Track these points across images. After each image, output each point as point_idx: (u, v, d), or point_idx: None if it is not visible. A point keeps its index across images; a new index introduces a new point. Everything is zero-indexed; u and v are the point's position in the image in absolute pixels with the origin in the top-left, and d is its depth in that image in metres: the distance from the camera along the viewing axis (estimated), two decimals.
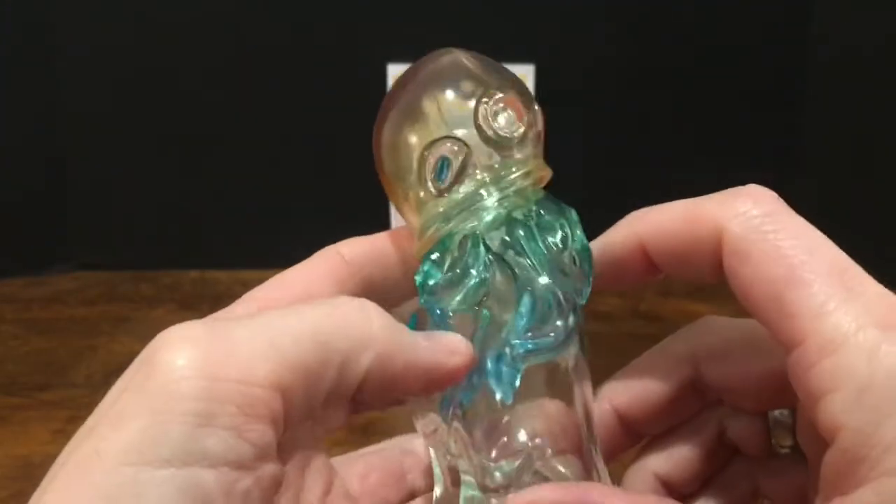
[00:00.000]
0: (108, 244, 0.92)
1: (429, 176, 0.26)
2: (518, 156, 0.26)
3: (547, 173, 0.26)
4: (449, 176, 0.26)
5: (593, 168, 0.87)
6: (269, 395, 0.19)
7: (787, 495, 0.26)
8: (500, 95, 0.26)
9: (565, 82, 0.86)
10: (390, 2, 0.88)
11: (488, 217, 0.25)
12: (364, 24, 0.88)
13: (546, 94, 0.82)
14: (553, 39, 0.87)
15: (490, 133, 0.25)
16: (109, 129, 0.90)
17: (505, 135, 0.25)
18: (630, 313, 0.81)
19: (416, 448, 0.28)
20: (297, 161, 0.91)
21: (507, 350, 0.24)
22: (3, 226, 0.88)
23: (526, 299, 0.24)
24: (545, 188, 0.27)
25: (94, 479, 0.18)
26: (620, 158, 0.90)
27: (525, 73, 0.83)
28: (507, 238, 0.25)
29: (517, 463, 0.25)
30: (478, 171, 0.25)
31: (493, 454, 0.25)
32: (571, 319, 0.25)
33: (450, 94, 0.26)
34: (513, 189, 0.25)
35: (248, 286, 0.26)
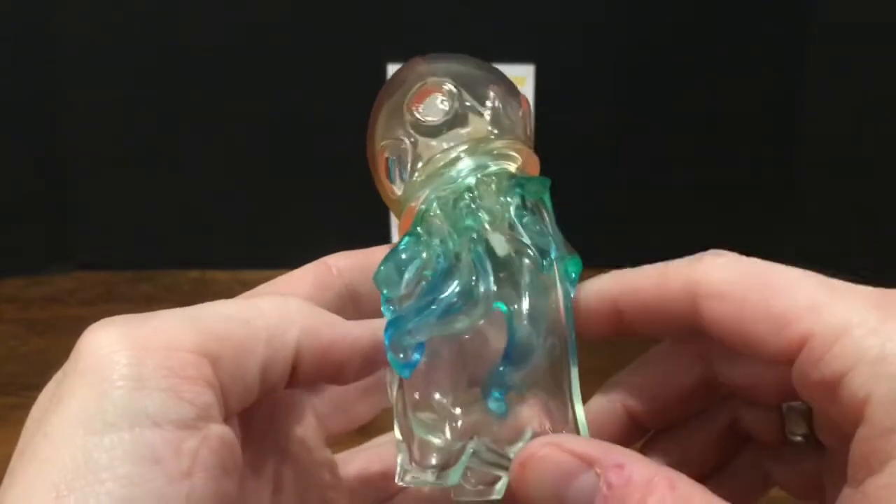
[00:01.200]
0: (108, 244, 0.92)
1: (385, 180, 0.28)
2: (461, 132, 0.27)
3: (520, 150, 0.27)
4: (397, 173, 0.28)
5: (593, 167, 0.87)
6: (195, 359, 0.20)
7: (799, 483, 0.26)
8: (420, 84, 0.27)
9: (565, 82, 0.86)
10: (390, 2, 0.88)
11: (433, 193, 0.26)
12: (364, 24, 0.88)
13: (546, 94, 0.83)
14: (553, 39, 0.87)
15: (412, 120, 0.28)
16: (109, 128, 0.90)
17: (428, 119, 0.27)
18: (608, 345, 0.80)
19: None
20: (297, 161, 0.91)
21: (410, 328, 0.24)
22: (3, 226, 0.88)
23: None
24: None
25: (47, 456, 0.18)
26: (620, 158, 0.90)
27: (525, 73, 0.83)
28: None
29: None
30: (419, 163, 0.27)
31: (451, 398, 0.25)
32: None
33: (393, 100, 0.30)
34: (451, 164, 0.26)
35: (248, 286, 0.26)
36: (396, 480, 0.25)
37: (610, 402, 0.27)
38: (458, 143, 0.27)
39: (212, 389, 0.20)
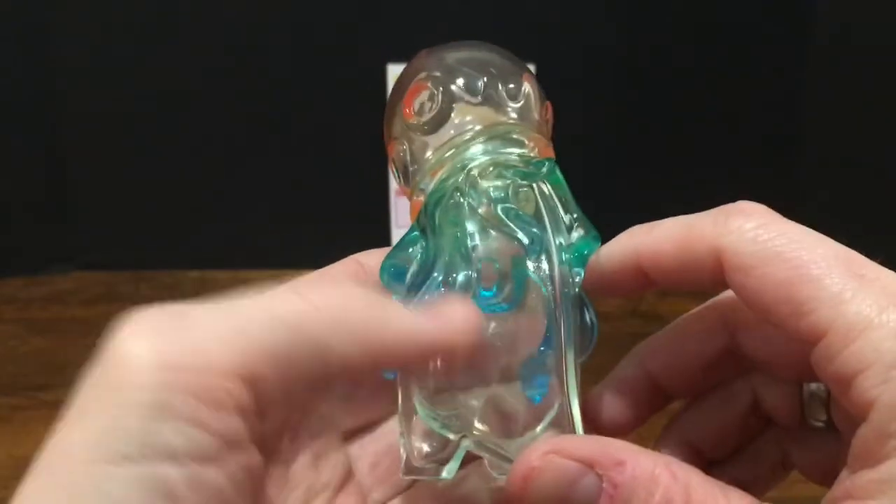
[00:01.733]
0: (108, 244, 0.92)
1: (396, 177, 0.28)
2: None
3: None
4: (402, 171, 0.28)
5: (594, 166, 0.87)
6: (230, 384, 0.18)
7: (817, 467, 0.26)
8: (411, 82, 0.28)
9: (566, 82, 0.86)
10: (390, 2, 0.88)
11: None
12: (364, 24, 0.88)
13: (546, 93, 0.83)
14: (553, 39, 0.87)
15: (404, 119, 0.27)
16: (109, 128, 0.90)
17: (415, 119, 0.27)
18: (630, 313, 0.81)
19: None
20: (297, 161, 0.91)
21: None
22: (3, 226, 0.88)
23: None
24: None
25: (59, 479, 0.18)
26: (622, 157, 0.90)
27: None
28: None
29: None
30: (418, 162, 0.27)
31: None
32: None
33: (392, 99, 0.29)
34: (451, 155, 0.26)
35: (248, 286, 0.26)
36: (401, 475, 0.25)
37: (635, 369, 0.27)
38: (456, 134, 0.27)
39: (242, 415, 0.19)
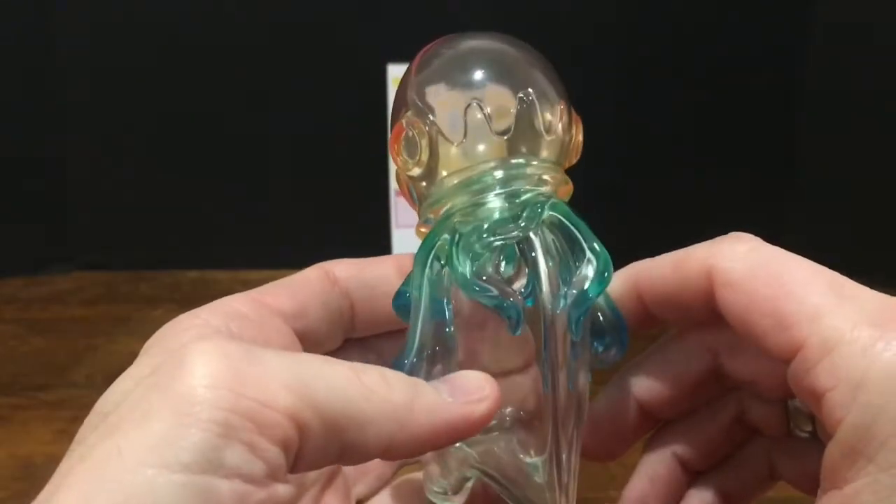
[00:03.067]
0: (108, 244, 0.92)
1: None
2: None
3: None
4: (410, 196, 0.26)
5: (593, 166, 0.87)
6: (285, 422, 0.20)
7: (804, 477, 0.27)
8: (396, 124, 0.26)
9: (565, 82, 0.86)
10: (390, 2, 0.88)
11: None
12: (364, 24, 0.88)
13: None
14: (553, 40, 0.87)
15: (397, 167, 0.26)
16: (109, 129, 0.90)
17: (405, 170, 0.26)
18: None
19: None
20: (298, 161, 0.91)
21: None
22: (2, 226, 0.88)
23: None
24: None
25: (114, 475, 0.18)
26: (623, 156, 0.90)
27: None
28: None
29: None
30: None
31: None
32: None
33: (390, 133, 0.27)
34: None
35: (248, 286, 0.26)
36: (427, 494, 0.26)
37: (621, 394, 0.28)
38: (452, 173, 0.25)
39: (287, 454, 0.20)
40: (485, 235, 0.24)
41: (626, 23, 0.89)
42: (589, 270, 0.24)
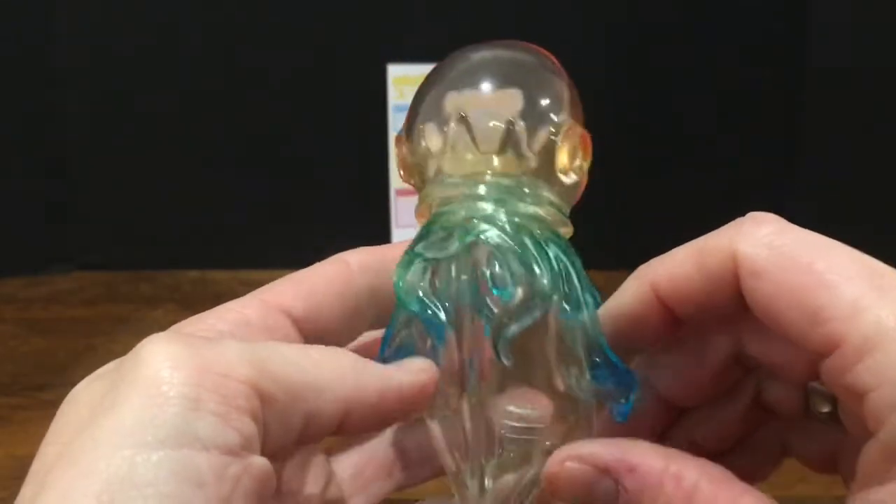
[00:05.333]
0: (108, 244, 0.92)
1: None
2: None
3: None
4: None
5: (593, 166, 0.87)
6: (247, 390, 0.20)
7: (818, 456, 0.26)
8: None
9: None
10: (390, 2, 0.88)
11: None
12: (364, 24, 0.88)
13: None
14: (554, 42, 0.87)
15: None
16: (109, 129, 0.90)
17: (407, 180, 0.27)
18: None
19: (404, 441, 0.29)
20: (298, 161, 0.91)
21: None
22: (2, 226, 0.88)
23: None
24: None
25: (91, 465, 0.18)
26: (620, 159, 0.90)
27: None
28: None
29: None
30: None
31: None
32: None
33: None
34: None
35: (248, 286, 0.26)
36: None
37: (644, 390, 0.26)
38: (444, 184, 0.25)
39: (257, 423, 0.20)
40: (420, 247, 0.24)
41: (624, 22, 0.89)
42: (518, 292, 0.23)
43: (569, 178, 0.25)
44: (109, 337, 0.74)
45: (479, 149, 0.25)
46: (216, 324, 0.24)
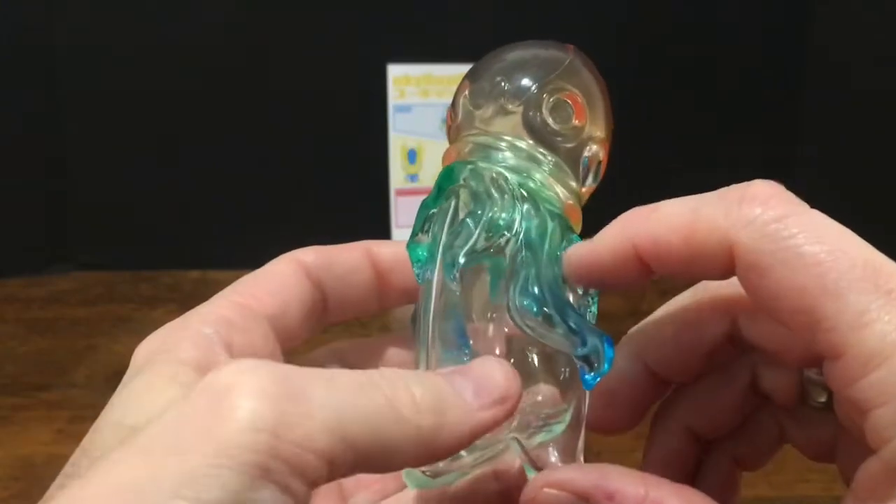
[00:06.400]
0: (108, 244, 0.92)
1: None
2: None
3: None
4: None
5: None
6: (321, 464, 0.19)
7: (813, 444, 0.26)
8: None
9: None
10: (390, 2, 0.88)
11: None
12: (364, 24, 0.88)
13: None
14: (554, 39, 0.87)
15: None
16: (109, 128, 0.90)
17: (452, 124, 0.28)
18: (630, 313, 0.81)
19: None
20: (298, 161, 0.91)
21: None
22: (3, 226, 0.88)
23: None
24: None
25: (149, 500, 0.18)
26: (620, 160, 0.90)
27: None
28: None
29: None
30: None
31: None
32: None
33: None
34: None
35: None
36: (404, 479, 0.25)
37: (632, 362, 0.26)
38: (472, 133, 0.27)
39: (315, 488, 0.20)
40: (428, 198, 0.27)
41: (622, 25, 0.89)
42: (473, 225, 0.25)
43: (557, 126, 0.27)
44: (109, 337, 0.74)
45: (508, 106, 0.26)
46: (202, 327, 0.24)
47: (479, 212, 0.25)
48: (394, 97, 0.86)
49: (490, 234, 0.25)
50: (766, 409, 0.27)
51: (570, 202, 0.27)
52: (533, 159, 0.26)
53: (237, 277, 0.27)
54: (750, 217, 0.21)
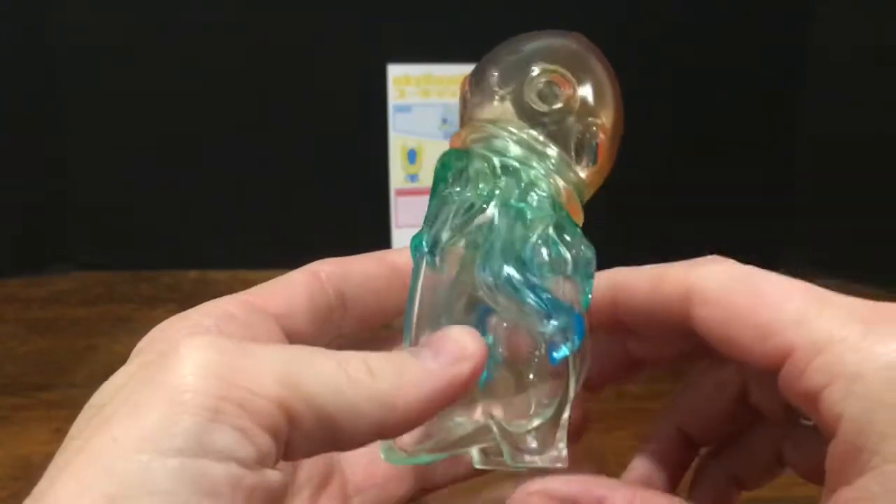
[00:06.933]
0: (108, 244, 0.92)
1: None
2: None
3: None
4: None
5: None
6: (273, 409, 0.20)
7: (807, 464, 0.27)
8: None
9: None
10: (390, 2, 0.88)
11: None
12: (364, 24, 0.88)
13: None
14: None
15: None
16: (109, 128, 0.90)
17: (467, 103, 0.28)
18: None
19: None
20: (297, 161, 0.91)
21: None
22: (3, 226, 0.88)
23: None
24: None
25: (109, 463, 0.18)
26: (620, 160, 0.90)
27: None
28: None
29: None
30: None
31: None
32: None
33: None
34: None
35: (248, 286, 0.26)
36: (381, 452, 0.26)
37: (668, 430, 0.29)
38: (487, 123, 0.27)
39: (276, 440, 0.20)
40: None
41: (622, 25, 0.89)
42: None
43: (545, 108, 0.27)
44: (109, 337, 0.74)
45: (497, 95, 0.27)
46: (201, 319, 0.24)
47: (459, 189, 0.26)
48: (394, 97, 0.86)
49: (467, 212, 0.26)
50: (763, 427, 0.28)
51: (568, 188, 0.27)
52: (525, 144, 0.27)
53: (237, 277, 0.27)
54: (704, 268, 0.25)
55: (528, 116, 0.27)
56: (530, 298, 0.25)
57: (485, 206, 0.26)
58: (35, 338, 0.77)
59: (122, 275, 0.89)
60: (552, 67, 0.28)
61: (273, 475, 0.20)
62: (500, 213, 0.26)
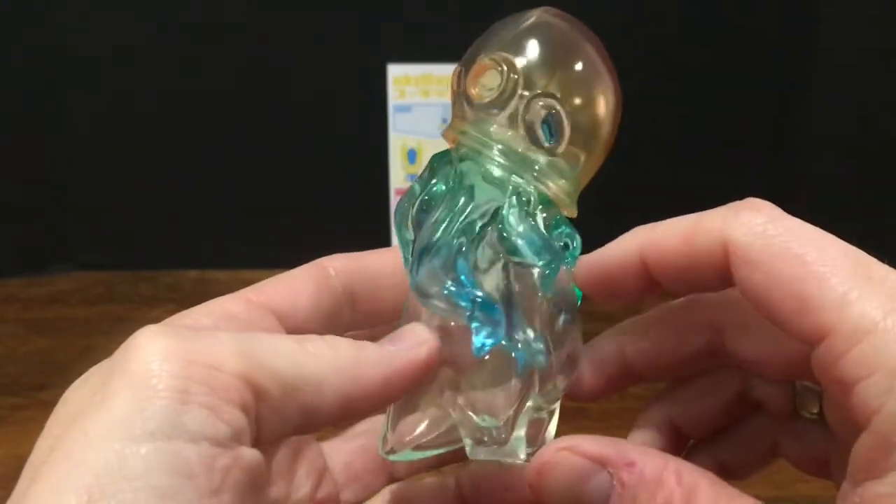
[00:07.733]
0: (108, 244, 0.92)
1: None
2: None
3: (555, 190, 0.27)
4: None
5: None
6: (238, 383, 0.20)
7: (807, 457, 0.26)
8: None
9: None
10: (390, 2, 0.88)
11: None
12: (364, 24, 0.88)
13: None
14: None
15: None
16: (109, 128, 0.90)
17: (478, 100, 0.27)
18: (630, 313, 0.80)
19: None
20: (297, 161, 0.91)
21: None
22: (3, 226, 0.88)
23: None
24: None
25: (82, 457, 0.19)
26: (620, 162, 0.90)
27: None
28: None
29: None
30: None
31: None
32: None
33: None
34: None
35: (248, 286, 0.26)
36: (379, 452, 0.26)
37: (611, 348, 0.28)
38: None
39: (247, 415, 0.20)
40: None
41: (626, 27, 0.89)
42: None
43: (485, 97, 0.26)
44: (109, 337, 0.74)
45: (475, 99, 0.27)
46: (201, 318, 0.24)
47: (425, 175, 0.28)
48: (394, 97, 0.86)
49: (426, 198, 0.27)
50: (758, 418, 0.28)
51: (548, 182, 0.27)
52: (483, 144, 0.26)
53: (237, 277, 0.27)
54: (743, 220, 0.23)
55: (478, 110, 0.26)
56: (443, 285, 0.25)
57: (441, 189, 0.27)
58: (35, 338, 0.77)
59: (122, 275, 0.89)
60: (487, 54, 0.27)
61: (249, 453, 0.20)
62: (447, 203, 0.26)
